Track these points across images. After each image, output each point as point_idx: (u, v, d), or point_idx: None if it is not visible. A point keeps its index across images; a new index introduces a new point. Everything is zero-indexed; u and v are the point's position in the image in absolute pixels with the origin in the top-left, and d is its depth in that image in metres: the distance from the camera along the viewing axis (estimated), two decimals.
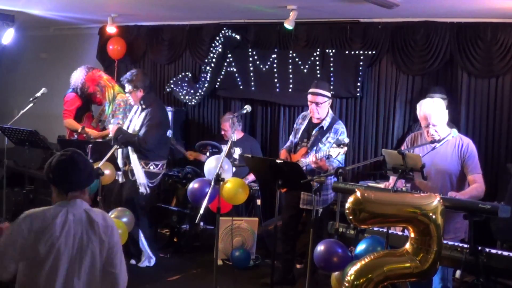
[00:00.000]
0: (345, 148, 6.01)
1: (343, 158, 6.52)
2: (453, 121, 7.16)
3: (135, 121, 7.03)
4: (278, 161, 5.81)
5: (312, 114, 6.69)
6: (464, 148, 5.26)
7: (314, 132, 6.67)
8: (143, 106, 7.04)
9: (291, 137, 7.03)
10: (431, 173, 5.20)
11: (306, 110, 6.83)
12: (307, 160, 6.37)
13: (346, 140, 6.31)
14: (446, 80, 7.73)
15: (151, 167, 6.97)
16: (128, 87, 7.04)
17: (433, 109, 5.25)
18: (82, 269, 3.49)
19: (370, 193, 3.50)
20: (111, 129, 6.93)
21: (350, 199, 3.44)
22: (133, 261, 7.15)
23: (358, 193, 3.44)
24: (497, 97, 7.40)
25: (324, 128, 6.62)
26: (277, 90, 8.84)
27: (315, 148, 6.54)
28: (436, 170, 5.23)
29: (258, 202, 8.02)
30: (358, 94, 8.25)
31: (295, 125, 7.00)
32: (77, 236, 3.48)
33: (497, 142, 7.44)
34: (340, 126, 6.67)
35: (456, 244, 4.62)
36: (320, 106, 6.59)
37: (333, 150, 6.00)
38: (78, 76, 8.14)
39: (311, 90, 6.66)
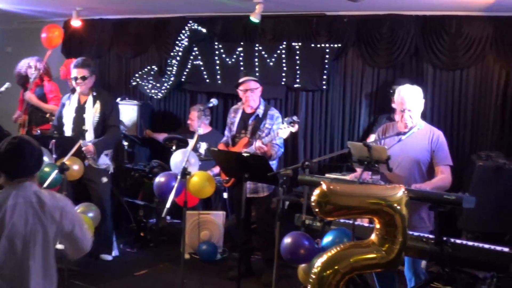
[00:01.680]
0: (296, 126, 6.07)
1: (282, 142, 6.60)
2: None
3: (89, 111, 6.91)
4: (245, 154, 5.81)
5: (247, 102, 6.71)
6: (434, 139, 5.27)
7: (250, 121, 6.71)
8: (94, 94, 6.96)
9: (226, 132, 7.03)
10: (401, 163, 5.23)
11: (262, 103, 6.80)
12: (253, 148, 6.43)
13: (280, 119, 6.54)
14: (412, 73, 7.81)
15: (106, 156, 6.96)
16: (84, 72, 6.87)
17: (410, 94, 5.28)
18: (37, 251, 3.53)
19: (335, 185, 3.51)
20: (86, 149, 6.77)
21: (316, 191, 3.45)
22: (109, 257, 7.15)
23: (324, 186, 3.45)
24: (461, 89, 7.49)
25: (260, 116, 6.68)
26: (219, 82, 8.91)
27: (255, 136, 6.61)
28: (406, 159, 5.24)
29: (225, 195, 8.01)
30: (324, 87, 8.28)
31: (228, 120, 7.00)
32: (29, 218, 3.52)
33: (461, 133, 7.53)
34: (275, 112, 6.76)
35: (422, 234, 4.66)
36: (254, 92, 6.66)
37: (281, 132, 6.14)
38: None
39: (242, 79, 6.73)
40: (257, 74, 8.28)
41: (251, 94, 6.65)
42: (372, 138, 7.38)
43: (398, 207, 3.47)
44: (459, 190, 5.18)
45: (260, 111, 6.71)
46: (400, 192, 3.51)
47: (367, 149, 4.70)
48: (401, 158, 5.23)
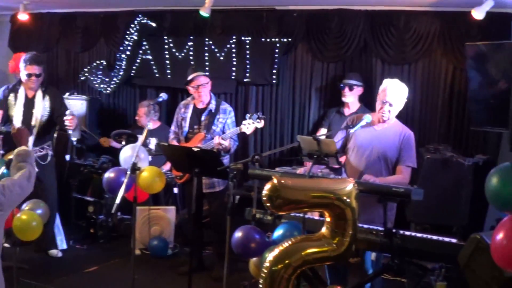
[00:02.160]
0: (263, 122, 6.11)
1: (237, 137, 6.64)
2: (369, 108, 7.30)
3: (38, 106, 6.83)
4: (195, 148, 5.79)
5: (199, 98, 6.71)
6: (404, 138, 5.29)
7: (203, 117, 6.71)
8: (43, 89, 6.90)
9: (173, 128, 6.99)
10: (369, 156, 5.27)
11: (213, 98, 6.79)
12: (213, 143, 6.45)
13: (232, 113, 6.65)
14: (361, 67, 7.86)
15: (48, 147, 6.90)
16: (39, 69, 6.79)
17: (394, 89, 5.32)
18: None
19: (286, 179, 3.52)
20: (70, 121, 6.68)
21: (267, 186, 3.45)
22: (59, 253, 7.07)
23: (275, 180, 3.46)
24: (409, 83, 7.53)
25: (213, 111, 6.69)
26: (169, 77, 8.88)
27: (210, 131, 6.62)
28: (374, 153, 5.27)
29: (175, 190, 7.97)
30: (274, 81, 8.29)
31: (177, 116, 6.96)
32: None
33: (409, 127, 7.54)
34: (227, 106, 6.82)
35: (372, 227, 4.69)
36: (206, 87, 6.68)
37: (245, 127, 6.20)
38: None
39: (191, 76, 6.73)
40: (206, 68, 8.27)
41: (203, 89, 6.66)
42: (322, 131, 7.44)
43: (348, 200, 3.50)
44: (409, 183, 5.24)
45: (213, 106, 6.71)
46: (349, 185, 3.54)
47: (316, 143, 4.71)
48: (369, 150, 5.27)
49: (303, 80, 8.27)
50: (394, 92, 5.29)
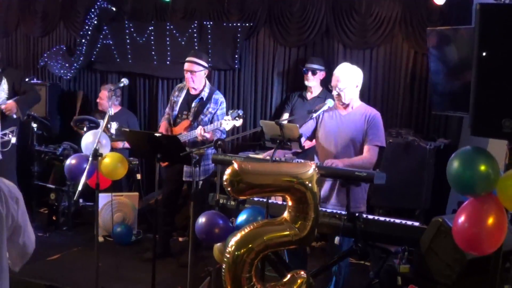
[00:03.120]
0: (241, 121, 6.12)
1: (225, 129, 6.58)
2: (331, 91, 7.35)
3: None
4: (157, 134, 5.77)
5: (187, 83, 6.74)
6: (369, 118, 5.27)
7: (194, 104, 6.70)
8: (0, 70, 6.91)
9: (167, 109, 7.02)
10: (337, 141, 5.26)
11: (208, 86, 6.79)
12: (196, 133, 6.46)
13: (224, 104, 6.59)
14: (323, 52, 7.88)
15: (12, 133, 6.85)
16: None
17: (342, 73, 5.31)
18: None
19: (247, 164, 3.54)
20: (7, 107, 6.64)
21: (228, 170, 3.48)
22: None
23: (235, 165, 3.48)
24: (371, 68, 7.61)
25: (204, 99, 6.68)
26: (155, 62, 8.76)
27: (197, 119, 6.61)
28: (342, 137, 5.26)
29: (138, 176, 7.94)
30: (236, 66, 8.30)
31: (171, 98, 6.99)
32: None
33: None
34: (220, 96, 6.77)
35: (335, 211, 4.73)
36: (195, 75, 6.66)
37: (225, 123, 6.18)
38: None
39: (188, 58, 6.71)
40: (204, 55, 8.21)
41: (191, 76, 6.66)
42: (285, 116, 7.46)
43: (309, 184, 3.53)
44: (377, 162, 5.29)
45: (205, 94, 6.71)
46: (311, 169, 3.57)
47: (279, 128, 4.71)
48: (337, 135, 5.26)
49: (266, 65, 8.27)
50: (343, 77, 5.28)
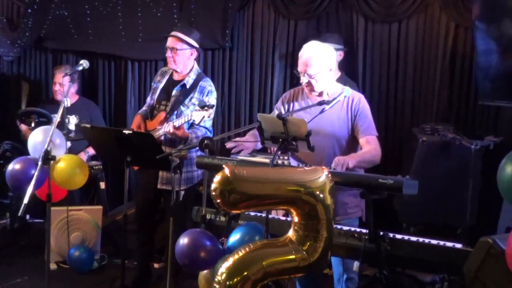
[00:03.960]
0: (211, 111, 6.06)
1: (211, 124, 6.61)
2: (350, 76, 7.37)
3: None
4: (126, 131, 5.78)
5: (168, 64, 6.76)
6: (354, 105, 5.33)
7: (174, 91, 6.70)
8: None
9: (148, 99, 7.04)
10: (318, 141, 5.23)
11: (195, 71, 6.77)
12: (167, 129, 6.40)
13: (213, 101, 6.46)
14: (339, 26, 7.90)
15: None
16: None
17: (312, 54, 5.30)
18: None
19: (241, 169, 3.55)
20: None
21: (217, 177, 3.49)
22: None
23: (227, 170, 3.49)
24: (399, 47, 7.60)
25: (187, 87, 6.66)
26: (123, 40, 8.79)
27: (176, 112, 6.58)
28: (322, 136, 5.26)
29: (102, 185, 7.97)
30: (227, 45, 8.33)
31: (152, 83, 7.04)
32: None
33: (400, 101, 7.68)
34: (208, 84, 6.72)
35: (353, 229, 4.73)
36: (178, 54, 6.64)
37: (195, 114, 6.04)
38: None
39: (172, 33, 6.73)
40: (193, 30, 8.18)
41: (172, 54, 6.64)
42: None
43: (321, 195, 3.55)
44: (398, 173, 5.27)
45: (189, 80, 6.69)
46: (323, 176, 3.59)
47: (282, 123, 4.72)
48: (317, 135, 5.20)
49: (265, 43, 8.30)
50: (313, 59, 5.28)
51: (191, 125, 6.39)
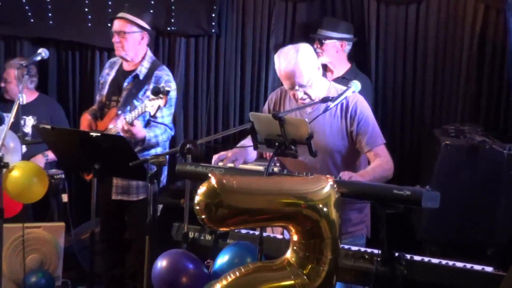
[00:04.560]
0: (166, 100, 6.00)
1: (171, 120, 6.66)
2: (363, 69, 7.38)
3: None
4: (94, 134, 5.77)
5: (116, 51, 6.77)
6: (350, 111, 5.29)
7: (126, 83, 6.73)
8: None
9: (97, 97, 7.08)
10: (310, 157, 5.20)
11: (149, 59, 6.77)
12: (119, 126, 6.36)
13: (171, 86, 6.44)
14: (345, 9, 7.89)
15: None
16: None
17: (295, 64, 5.25)
18: None
19: (230, 179, 3.56)
20: None
21: (201, 189, 3.49)
22: None
23: (213, 180, 3.50)
24: (418, 33, 7.61)
25: (141, 77, 6.68)
26: (89, 24, 8.79)
27: (129, 107, 6.59)
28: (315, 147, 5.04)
29: (65, 198, 7.96)
30: (213, 31, 8.35)
31: (100, 78, 7.07)
32: None
33: (419, 98, 7.68)
34: (165, 73, 6.75)
35: (363, 250, 4.74)
36: (127, 39, 6.67)
37: (149, 104, 6.04)
38: None
39: (118, 14, 6.77)
40: (144, 11, 8.15)
41: (120, 39, 6.66)
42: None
43: (325, 209, 3.56)
44: (417, 182, 5.27)
45: (143, 70, 6.71)
46: (327, 186, 3.60)
47: (278, 124, 4.72)
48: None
49: (258, 30, 8.33)
50: (299, 67, 5.24)
51: (148, 122, 6.42)
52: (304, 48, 5.36)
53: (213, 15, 8.29)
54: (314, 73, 5.31)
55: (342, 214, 4.63)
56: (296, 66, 5.23)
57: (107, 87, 6.84)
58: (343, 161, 5.33)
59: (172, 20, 8.35)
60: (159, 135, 6.50)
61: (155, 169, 5.27)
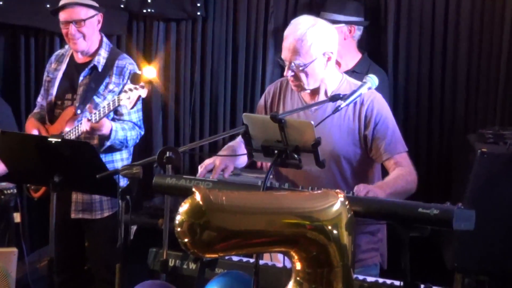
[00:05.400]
0: (149, 90, 5.98)
1: (141, 118, 6.74)
2: (376, 60, 7.38)
3: None
4: (54, 139, 5.78)
5: (72, 45, 6.77)
6: (366, 110, 5.29)
7: (81, 78, 6.75)
8: None
9: (39, 98, 7.15)
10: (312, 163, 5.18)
11: (105, 46, 6.80)
12: (82, 129, 6.39)
13: (147, 72, 6.22)
14: None
15: None
16: None
17: (301, 34, 5.22)
18: None
19: (219, 194, 3.56)
20: None
21: (184, 206, 3.49)
22: None
23: (198, 196, 3.50)
24: (448, 18, 7.62)
25: (100, 69, 6.72)
26: (47, 6, 8.79)
27: (89, 104, 6.59)
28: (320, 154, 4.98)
29: (17, 217, 7.97)
30: (198, 13, 8.37)
31: (45, 75, 7.08)
32: None
33: (449, 97, 7.69)
34: (128, 62, 6.82)
35: (381, 281, 4.75)
36: (86, 26, 6.68)
37: (124, 96, 6.06)
38: None
39: (62, 2, 6.76)
40: None
41: (76, 30, 6.64)
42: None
43: (335, 231, 3.57)
44: (447, 199, 5.26)
45: (101, 60, 6.74)
46: (337, 203, 3.60)
47: (278, 127, 4.72)
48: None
49: (253, 12, 8.37)
50: (302, 42, 5.21)
51: (119, 117, 6.51)
52: (325, 24, 5.36)
53: None
54: (319, 60, 5.25)
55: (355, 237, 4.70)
56: (302, 36, 5.20)
57: (56, 84, 6.86)
58: (353, 172, 5.32)
59: (149, 1, 8.36)
60: (128, 130, 6.56)
61: (128, 182, 5.27)
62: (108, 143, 6.43)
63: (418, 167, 5.36)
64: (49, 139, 5.79)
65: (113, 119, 6.41)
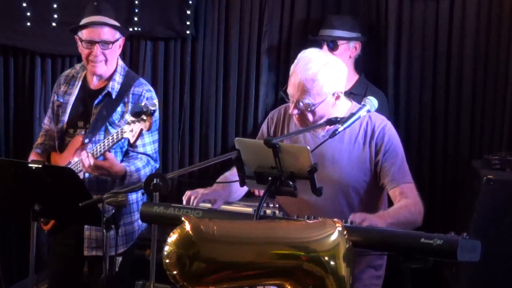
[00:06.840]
0: (150, 123, 5.93)
1: (157, 149, 6.67)
2: (375, 81, 7.38)
3: None
4: (34, 165, 5.77)
5: (93, 68, 6.63)
6: (377, 137, 5.32)
7: (95, 105, 6.65)
8: None
9: (46, 120, 7.05)
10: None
11: (121, 70, 6.69)
12: (85, 163, 6.27)
13: (156, 104, 6.16)
14: (357, 4, 7.96)
15: None
16: None
17: (313, 75, 5.21)
18: None
19: (210, 224, 3.56)
20: None
21: (173, 237, 3.50)
22: None
23: (188, 225, 3.50)
24: (452, 33, 7.63)
25: (113, 95, 6.63)
26: (28, 24, 8.82)
27: (100, 134, 6.54)
28: (323, 178, 4.98)
29: None
30: (188, 32, 8.38)
31: (54, 98, 6.96)
32: None
33: (453, 119, 7.70)
34: (145, 89, 6.69)
35: None
36: (110, 49, 6.58)
37: (127, 128, 6.01)
38: None
39: (88, 19, 6.63)
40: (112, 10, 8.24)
41: (101, 51, 6.53)
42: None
43: (332, 263, 3.57)
44: (451, 228, 5.26)
45: (115, 86, 6.64)
46: (334, 233, 3.60)
47: (272, 152, 4.72)
48: (316, 177, 5.15)
49: (246, 30, 8.39)
50: (311, 81, 5.21)
51: (126, 153, 6.41)
52: (337, 62, 5.35)
53: (188, 12, 8.34)
54: (330, 98, 5.28)
55: (354, 269, 4.69)
56: (314, 76, 5.20)
57: (68, 111, 6.73)
58: (361, 202, 5.32)
59: (135, 19, 8.38)
60: (141, 169, 6.46)
61: (113, 211, 5.26)
62: (118, 187, 6.38)
63: (420, 195, 5.33)
64: (30, 165, 5.77)
65: (126, 151, 6.39)
